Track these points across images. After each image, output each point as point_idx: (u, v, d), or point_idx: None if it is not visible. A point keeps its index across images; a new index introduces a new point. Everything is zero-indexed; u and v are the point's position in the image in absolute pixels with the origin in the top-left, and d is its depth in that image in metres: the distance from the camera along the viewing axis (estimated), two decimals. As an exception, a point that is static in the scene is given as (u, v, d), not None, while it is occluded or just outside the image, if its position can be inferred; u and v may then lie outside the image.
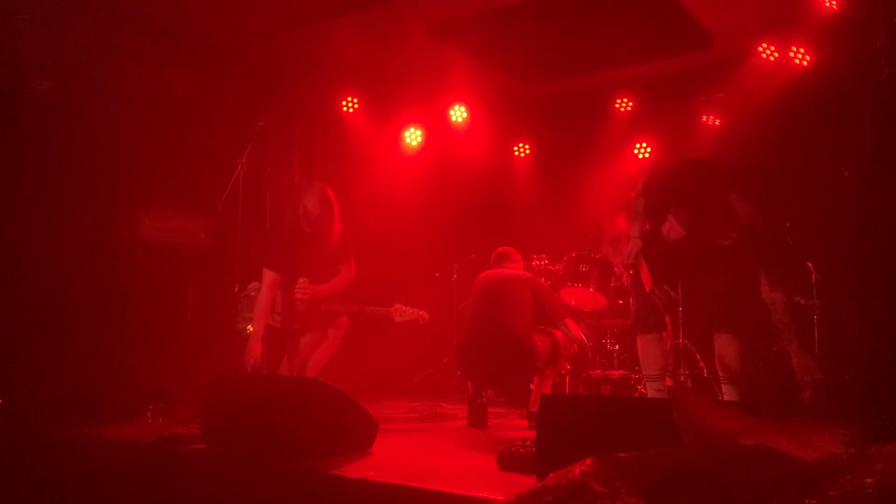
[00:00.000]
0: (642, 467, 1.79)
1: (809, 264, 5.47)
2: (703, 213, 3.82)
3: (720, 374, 3.91)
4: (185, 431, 3.84)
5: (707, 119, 6.40)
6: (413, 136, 7.41)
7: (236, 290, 4.50)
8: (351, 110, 7.06)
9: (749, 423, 2.36)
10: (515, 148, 7.77)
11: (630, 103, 6.91)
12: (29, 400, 4.27)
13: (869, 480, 1.79)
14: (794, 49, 5.76)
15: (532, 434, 3.21)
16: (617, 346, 5.81)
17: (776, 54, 5.84)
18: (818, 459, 2.06)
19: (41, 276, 4.77)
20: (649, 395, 3.91)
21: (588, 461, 1.76)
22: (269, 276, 4.67)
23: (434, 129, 7.42)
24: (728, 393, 3.86)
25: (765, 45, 5.84)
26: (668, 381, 5.03)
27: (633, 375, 5.26)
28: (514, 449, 3.12)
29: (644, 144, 6.97)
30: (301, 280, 4.69)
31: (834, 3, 5.16)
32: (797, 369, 4.66)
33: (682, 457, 1.97)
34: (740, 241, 3.83)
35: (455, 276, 6.93)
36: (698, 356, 5.47)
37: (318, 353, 4.88)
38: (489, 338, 4.56)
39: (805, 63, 5.76)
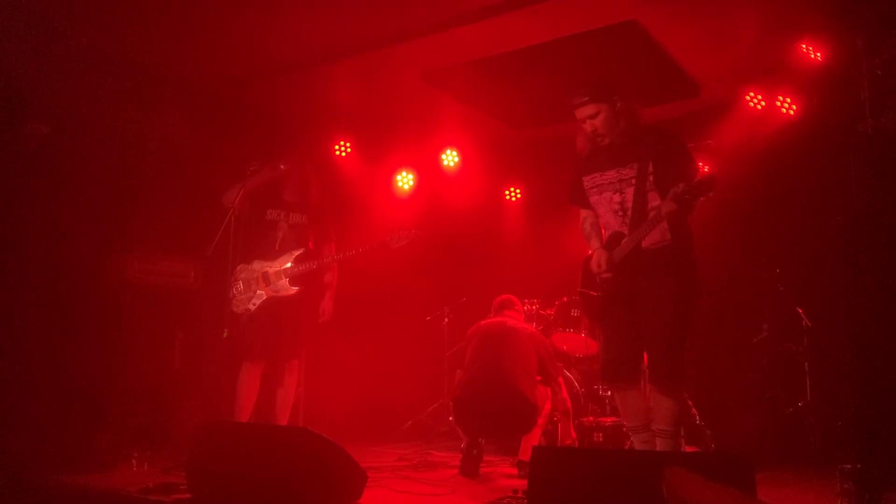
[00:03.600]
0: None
1: (800, 310, 5.49)
2: None
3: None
4: (170, 480, 3.79)
5: (696, 165, 6.45)
6: (405, 180, 7.45)
7: (225, 335, 4.45)
8: (343, 154, 7.11)
9: (739, 499, 2.33)
10: (507, 192, 7.82)
11: (620, 149, 6.98)
12: (11, 447, 4.20)
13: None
14: (781, 98, 5.86)
15: (523, 483, 3.18)
16: (609, 393, 5.77)
17: (763, 103, 5.93)
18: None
19: (25, 316, 4.72)
20: (636, 447, 3.68)
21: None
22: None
23: (426, 172, 7.47)
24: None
25: (752, 93, 5.93)
26: None
27: (626, 423, 5.22)
28: (505, 501, 3.08)
29: (634, 189, 7.02)
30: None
31: (819, 54, 5.26)
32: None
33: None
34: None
35: (446, 319, 6.91)
36: (690, 402, 5.44)
37: (281, 394, 4.81)
38: (492, 393, 4.46)
39: (791, 112, 5.85)
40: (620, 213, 3.57)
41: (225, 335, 4.40)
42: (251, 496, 3.19)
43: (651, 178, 3.47)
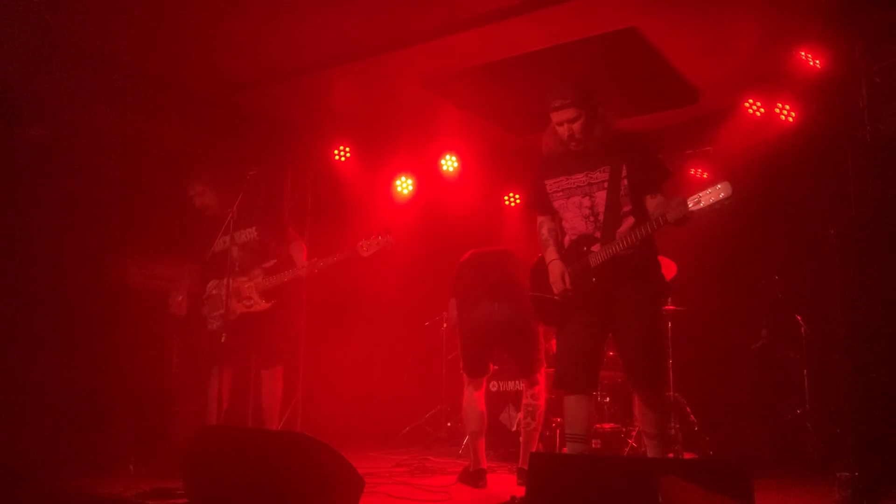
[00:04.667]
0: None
1: (798, 317, 5.49)
2: None
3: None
4: (167, 485, 3.78)
5: (695, 172, 6.46)
6: (404, 185, 7.46)
7: (223, 339, 4.44)
8: (343, 159, 7.12)
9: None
10: (506, 197, 7.82)
11: (619, 155, 6.98)
12: (9, 451, 4.19)
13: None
14: (780, 105, 5.86)
15: (521, 491, 3.17)
16: (608, 399, 5.76)
17: (762, 110, 5.93)
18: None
19: (24, 319, 4.72)
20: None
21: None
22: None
23: (425, 178, 7.48)
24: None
25: (751, 101, 5.94)
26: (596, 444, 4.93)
27: (624, 428, 5.21)
28: (502, 507, 3.07)
29: (633, 196, 7.03)
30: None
31: (818, 62, 5.27)
32: None
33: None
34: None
35: (445, 325, 6.91)
36: (688, 409, 5.44)
37: (264, 401, 4.78)
38: (492, 262, 4.64)
39: (790, 119, 5.85)
40: (591, 218, 3.47)
41: (223, 340, 4.40)
42: (248, 501, 3.18)
43: (625, 181, 3.39)
